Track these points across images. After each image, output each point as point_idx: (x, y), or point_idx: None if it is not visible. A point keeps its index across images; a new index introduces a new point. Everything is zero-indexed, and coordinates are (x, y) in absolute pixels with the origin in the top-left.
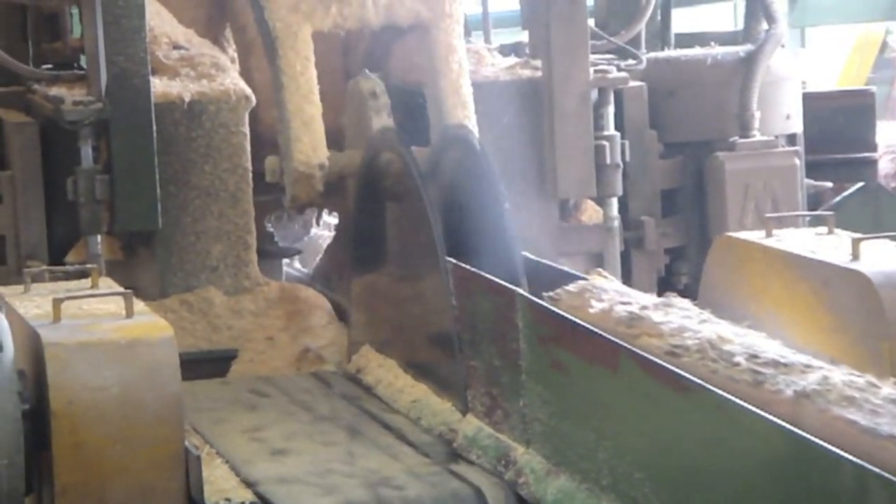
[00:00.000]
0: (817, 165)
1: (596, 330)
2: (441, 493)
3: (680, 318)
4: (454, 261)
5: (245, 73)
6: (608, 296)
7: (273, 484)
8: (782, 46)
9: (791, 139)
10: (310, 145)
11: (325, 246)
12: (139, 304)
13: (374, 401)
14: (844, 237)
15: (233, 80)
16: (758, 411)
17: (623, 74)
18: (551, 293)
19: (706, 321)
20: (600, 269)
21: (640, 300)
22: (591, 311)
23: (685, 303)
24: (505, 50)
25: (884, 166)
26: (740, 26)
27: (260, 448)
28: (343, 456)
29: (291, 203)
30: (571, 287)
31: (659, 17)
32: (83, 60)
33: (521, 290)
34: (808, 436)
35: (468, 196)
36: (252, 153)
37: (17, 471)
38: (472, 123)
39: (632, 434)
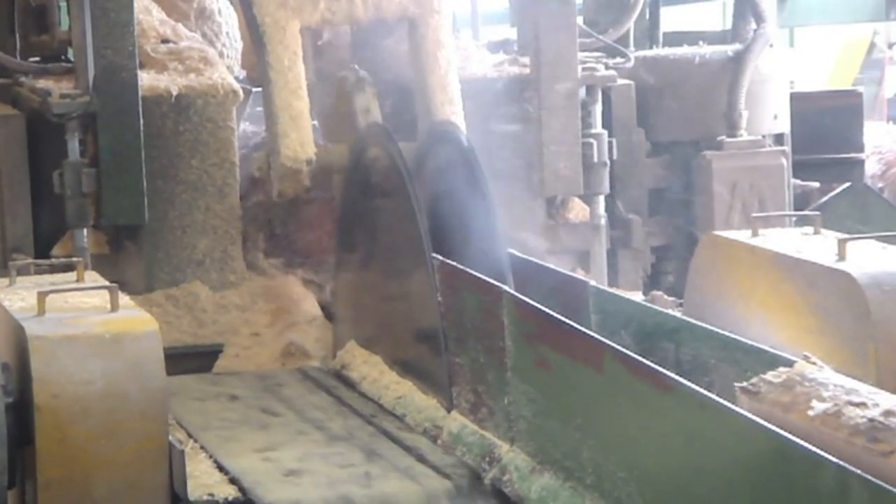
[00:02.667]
0: (804, 165)
1: (581, 329)
2: (423, 491)
3: None
4: (440, 257)
5: None
6: (829, 392)
7: (255, 480)
8: (770, 46)
9: (779, 139)
10: (297, 141)
11: None
12: (124, 298)
13: (359, 396)
14: (831, 237)
15: (221, 74)
16: (741, 411)
17: (611, 72)
18: (748, 385)
19: None
20: (807, 354)
21: (877, 399)
22: (811, 413)
23: None
24: (493, 47)
25: (871, 167)
26: (729, 25)
27: (244, 448)
28: (323, 450)
29: (278, 197)
30: (772, 377)
31: (647, 16)
32: (71, 53)
33: (507, 288)
34: (791, 436)
35: (455, 193)
36: None
37: (0, 465)
38: (459, 120)
39: (616, 433)
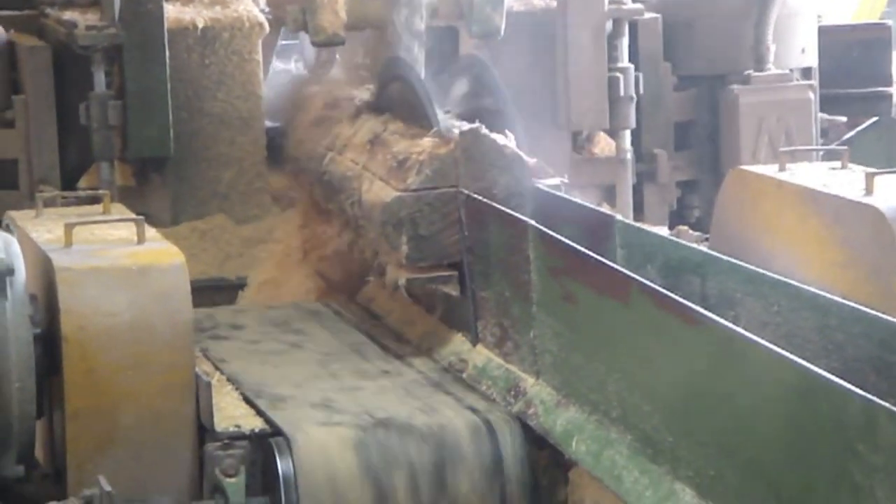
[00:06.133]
0: (832, 99)
1: (607, 262)
2: (448, 424)
3: None
4: (465, 191)
5: None
6: None
7: (280, 411)
8: None
9: (806, 73)
10: None
11: None
12: (151, 231)
13: (384, 330)
14: (858, 172)
15: (246, 6)
16: (767, 344)
17: (638, 6)
18: None
19: None
20: None
21: None
22: None
23: None
24: None
25: None
26: None
27: (268, 374)
28: (350, 386)
29: (315, 36)
30: None
31: None
32: None
33: (532, 222)
34: (817, 369)
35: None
36: None
37: (29, 394)
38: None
39: (642, 366)
